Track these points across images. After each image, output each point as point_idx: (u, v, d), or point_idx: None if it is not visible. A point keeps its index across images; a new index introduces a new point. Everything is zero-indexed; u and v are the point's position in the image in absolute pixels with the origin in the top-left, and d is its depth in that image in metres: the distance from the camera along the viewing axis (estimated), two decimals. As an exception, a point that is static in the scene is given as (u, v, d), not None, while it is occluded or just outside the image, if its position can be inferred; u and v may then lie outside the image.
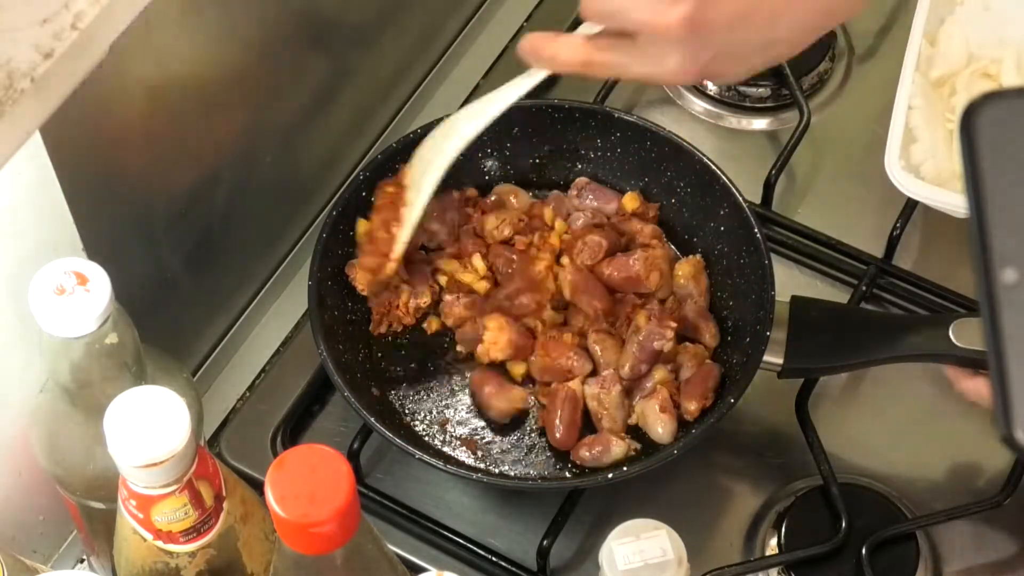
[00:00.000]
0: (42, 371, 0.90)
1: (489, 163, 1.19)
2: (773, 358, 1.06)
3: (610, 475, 1.03)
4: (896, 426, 1.14)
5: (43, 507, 1.04)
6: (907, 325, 1.10)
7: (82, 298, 0.82)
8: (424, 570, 0.83)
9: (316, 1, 1.13)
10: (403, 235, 1.07)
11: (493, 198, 1.17)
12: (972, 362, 1.04)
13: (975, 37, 1.21)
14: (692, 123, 1.29)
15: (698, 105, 1.30)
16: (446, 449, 1.08)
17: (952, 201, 1.11)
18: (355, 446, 1.09)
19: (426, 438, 1.09)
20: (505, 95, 1.03)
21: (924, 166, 1.14)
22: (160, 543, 0.84)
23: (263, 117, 1.11)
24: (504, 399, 1.08)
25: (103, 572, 1.03)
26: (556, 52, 0.95)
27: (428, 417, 1.10)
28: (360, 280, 1.09)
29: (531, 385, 1.10)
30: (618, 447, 1.05)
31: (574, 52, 0.94)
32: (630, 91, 1.30)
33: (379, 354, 1.13)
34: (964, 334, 1.04)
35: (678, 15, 0.86)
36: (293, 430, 1.13)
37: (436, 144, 1.07)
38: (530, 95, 1.25)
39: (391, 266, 1.08)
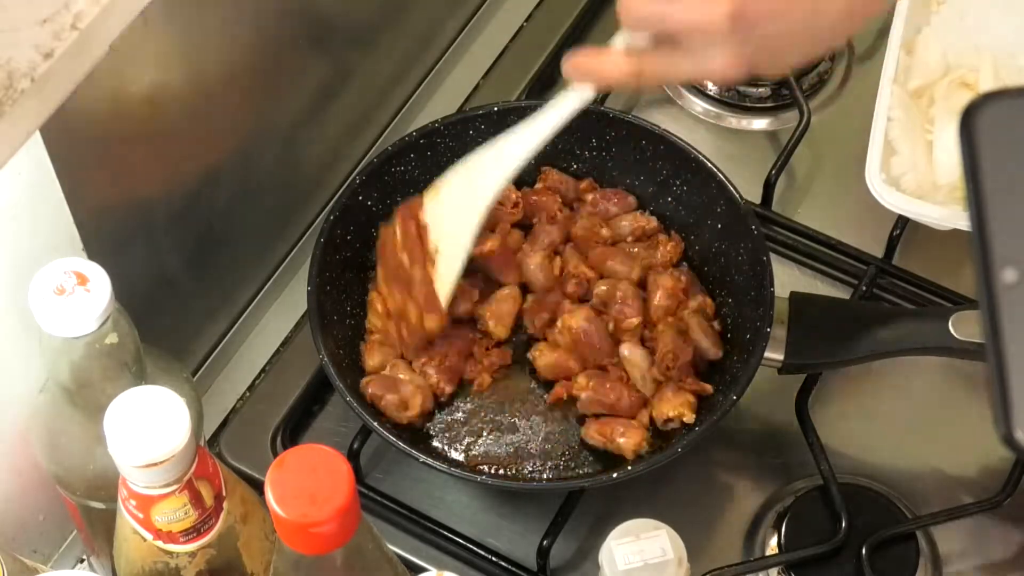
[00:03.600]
0: (42, 371, 0.90)
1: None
2: (773, 354, 1.07)
3: (614, 475, 1.03)
4: (896, 426, 1.14)
5: (43, 507, 1.04)
6: (906, 319, 1.10)
7: (82, 298, 0.82)
8: (424, 570, 0.83)
9: (316, 1, 1.13)
10: (447, 288, 1.04)
11: None
12: (971, 354, 1.04)
13: (952, 46, 1.21)
14: (692, 123, 1.29)
15: (698, 105, 1.30)
16: (447, 449, 1.08)
17: (933, 214, 1.11)
18: (355, 446, 1.09)
19: (426, 439, 1.09)
20: (545, 121, 0.99)
21: (905, 178, 1.14)
22: (160, 543, 0.84)
23: (263, 117, 1.11)
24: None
25: (103, 572, 1.03)
26: (601, 67, 0.93)
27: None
28: (403, 335, 1.07)
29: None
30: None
31: (620, 65, 0.92)
32: (629, 91, 1.30)
33: (379, 355, 1.13)
34: (963, 327, 1.04)
35: (722, 12, 0.86)
36: (293, 430, 1.13)
37: (464, 186, 1.04)
38: (527, 95, 1.27)
39: (437, 323, 1.05)
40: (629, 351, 1.08)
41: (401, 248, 1.06)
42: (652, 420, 1.07)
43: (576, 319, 1.08)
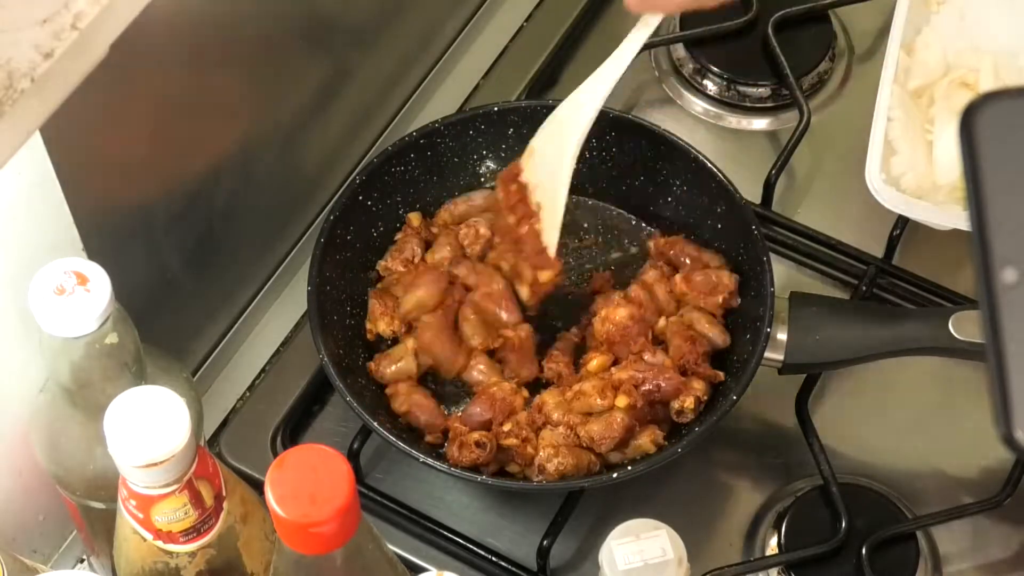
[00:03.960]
0: (42, 371, 0.90)
1: (485, 166, 1.18)
2: (774, 354, 1.07)
3: (614, 475, 1.03)
4: (896, 426, 1.14)
5: (43, 507, 1.04)
6: (907, 319, 1.10)
7: (82, 298, 0.82)
8: (424, 570, 0.83)
9: (316, 1, 1.13)
10: (552, 237, 1.07)
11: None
12: (971, 354, 1.04)
13: (952, 46, 1.21)
14: (692, 123, 1.29)
15: (698, 105, 1.31)
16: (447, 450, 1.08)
17: (933, 214, 1.11)
18: (355, 446, 1.09)
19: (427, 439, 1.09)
20: (617, 61, 1.04)
21: (904, 178, 1.14)
22: (160, 543, 0.84)
23: (263, 117, 1.11)
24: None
25: (103, 572, 1.03)
26: None
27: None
28: (525, 293, 1.09)
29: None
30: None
31: None
32: (629, 91, 1.30)
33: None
34: (964, 327, 1.04)
35: None
36: (293, 430, 1.13)
37: (553, 139, 1.07)
38: (527, 95, 1.27)
39: (551, 276, 1.08)
40: (650, 359, 1.08)
41: (507, 211, 1.08)
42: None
43: (620, 313, 1.08)
